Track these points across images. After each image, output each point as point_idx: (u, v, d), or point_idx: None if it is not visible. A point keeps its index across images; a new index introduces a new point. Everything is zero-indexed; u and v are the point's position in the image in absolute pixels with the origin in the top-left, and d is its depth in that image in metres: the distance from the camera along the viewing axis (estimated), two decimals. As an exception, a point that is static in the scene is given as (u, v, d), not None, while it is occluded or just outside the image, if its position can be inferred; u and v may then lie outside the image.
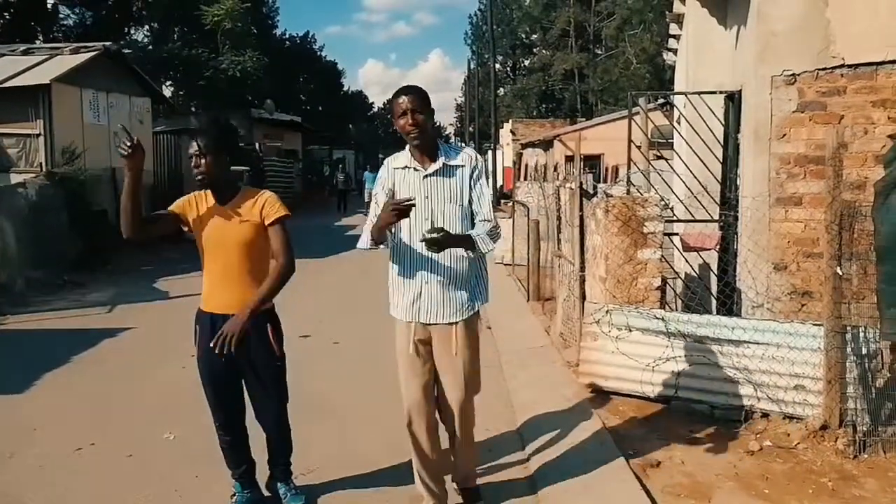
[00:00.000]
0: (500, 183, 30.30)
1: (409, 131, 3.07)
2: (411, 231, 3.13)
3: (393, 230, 3.14)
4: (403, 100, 3.07)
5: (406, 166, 3.20)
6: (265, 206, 3.23)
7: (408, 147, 3.19)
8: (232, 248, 3.21)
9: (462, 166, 3.18)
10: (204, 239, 3.25)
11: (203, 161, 3.10)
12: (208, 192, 3.28)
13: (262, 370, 3.33)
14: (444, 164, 3.15)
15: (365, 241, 3.14)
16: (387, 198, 3.16)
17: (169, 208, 3.30)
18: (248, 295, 3.18)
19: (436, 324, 3.16)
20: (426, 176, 3.15)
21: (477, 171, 3.20)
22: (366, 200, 23.41)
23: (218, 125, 3.28)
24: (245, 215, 3.21)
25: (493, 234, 3.16)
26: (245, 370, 3.33)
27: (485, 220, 3.18)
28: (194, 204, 3.28)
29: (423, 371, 3.20)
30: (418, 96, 3.08)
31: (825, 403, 4.00)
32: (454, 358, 3.17)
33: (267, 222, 3.21)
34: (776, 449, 3.89)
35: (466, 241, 3.09)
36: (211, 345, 3.07)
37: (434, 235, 2.91)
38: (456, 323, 3.17)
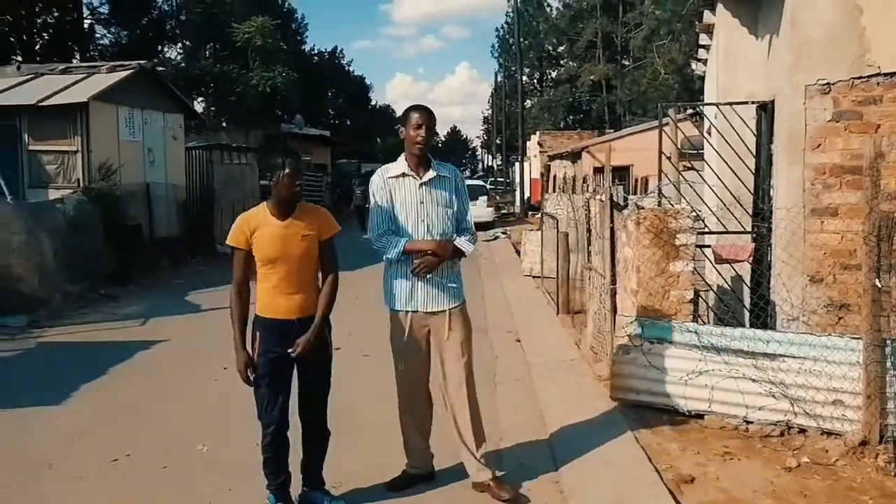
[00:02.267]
0: (527, 195, 30.24)
1: (418, 142, 3.59)
2: (409, 232, 3.64)
3: (394, 227, 3.67)
4: (423, 115, 3.60)
5: (403, 174, 3.66)
6: (323, 221, 3.54)
7: (403, 157, 3.70)
8: (294, 260, 3.44)
9: (448, 177, 3.71)
10: (265, 253, 3.44)
11: (298, 182, 3.37)
12: (259, 209, 3.52)
13: (317, 364, 3.57)
14: (437, 174, 3.67)
15: (396, 252, 3.60)
16: (386, 202, 3.68)
17: (237, 246, 3.50)
18: (307, 300, 3.49)
19: (433, 311, 3.64)
20: (422, 184, 3.64)
21: (461, 184, 3.78)
22: None
23: (295, 151, 3.77)
24: (305, 230, 3.46)
25: (473, 240, 3.77)
26: (302, 365, 3.53)
27: (467, 228, 3.75)
28: (247, 228, 3.49)
29: (421, 350, 3.68)
30: (432, 116, 3.65)
31: (864, 419, 3.90)
32: (452, 335, 3.66)
33: (324, 238, 3.51)
34: (814, 465, 3.80)
35: (454, 253, 3.66)
36: (290, 351, 3.39)
37: (421, 263, 3.55)
38: (451, 309, 3.67)
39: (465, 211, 3.76)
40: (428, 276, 3.60)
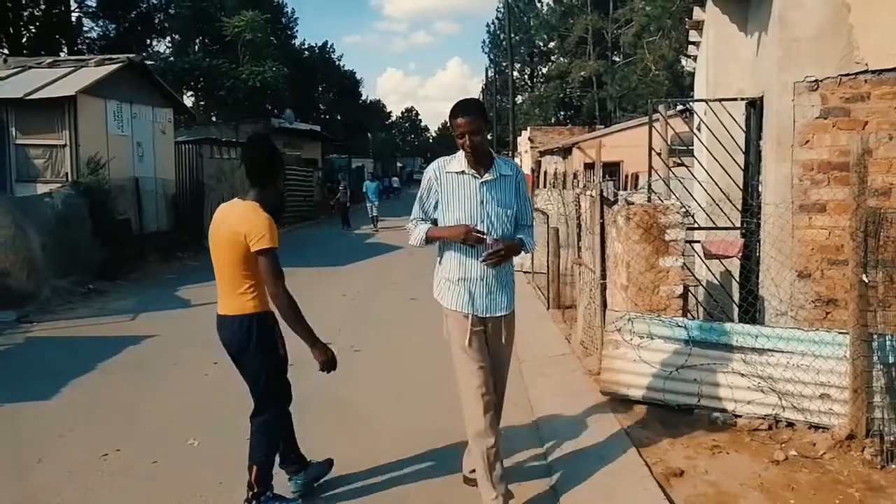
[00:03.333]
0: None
1: (466, 149, 3.40)
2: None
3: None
4: (462, 122, 3.34)
5: (463, 171, 3.46)
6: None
7: (462, 153, 3.45)
8: None
9: (510, 176, 3.51)
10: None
11: None
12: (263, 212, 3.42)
13: None
14: (499, 174, 3.47)
15: (418, 239, 3.53)
16: (433, 196, 3.52)
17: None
18: None
19: (491, 316, 3.51)
20: (482, 183, 3.44)
21: (522, 182, 3.59)
22: (370, 215, 22.08)
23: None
24: None
25: (534, 238, 3.71)
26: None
27: (527, 226, 3.64)
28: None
29: (482, 356, 3.49)
30: (475, 117, 3.35)
31: (851, 413, 3.95)
32: (502, 340, 3.58)
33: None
34: (802, 459, 3.84)
35: (518, 248, 3.55)
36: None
37: (494, 253, 3.36)
38: (506, 315, 3.56)
39: (527, 210, 3.63)
40: (488, 276, 3.45)
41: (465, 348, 3.46)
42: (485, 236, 3.37)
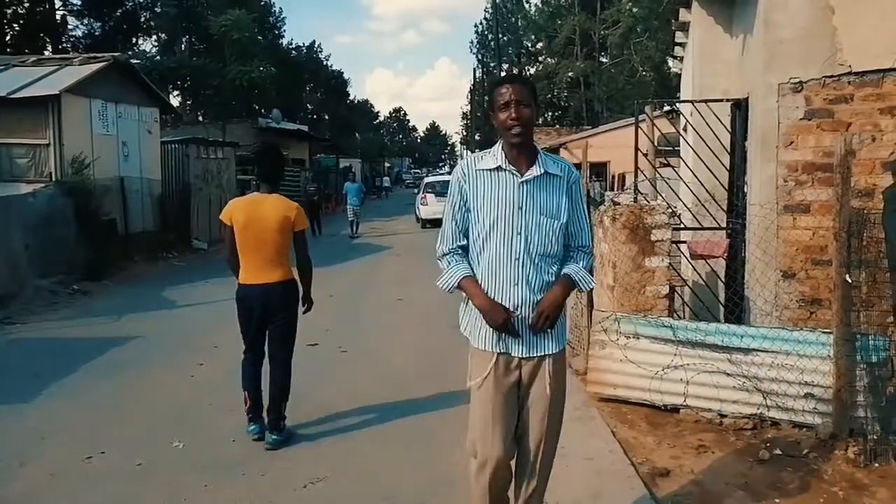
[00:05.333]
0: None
1: (510, 126, 2.60)
2: (499, 248, 2.64)
3: (479, 239, 2.69)
4: (507, 89, 2.62)
5: (499, 167, 2.66)
6: None
7: (499, 145, 2.70)
8: None
9: (559, 177, 2.70)
10: None
11: None
12: None
13: None
14: (545, 171, 2.67)
15: (448, 284, 2.70)
16: (464, 205, 2.71)
17: None
18: None
19: (528, 357, 2.68)
20: (523, 182, 2.64)
21: (575, 185, 2.74)
22: (349, 219, 19.77)
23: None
24: None
25: (592, 269, 2.74)
26: None
27: (582, 248, 2.77)
28: None
29: (508, 415, 2.67)
30: (525, 87, 2.66)
31: (835, 412, 3.98)
32: (544, 388, 2.68)
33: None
34: (786, 458, 3.87)
35: (564, 296, 2.69)
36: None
37: (539, 323, 2.60)
38: (553, 356, 2.71)
39: (582, 226, 2.76)
40: (529, 306, 2.64)
41: (482, 400, 2.65)
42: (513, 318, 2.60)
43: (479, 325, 2.68)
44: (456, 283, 2.68)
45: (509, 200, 2.63)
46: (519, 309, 2.62)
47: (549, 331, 2.66)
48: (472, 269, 2.69)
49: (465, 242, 2.73)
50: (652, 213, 5.06)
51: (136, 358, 6.80)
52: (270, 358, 4.54)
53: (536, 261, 2.64)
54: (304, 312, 4.66)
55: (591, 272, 2.77)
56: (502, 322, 2.57)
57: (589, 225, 2.80)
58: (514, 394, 2.68)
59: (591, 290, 2.78)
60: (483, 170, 2.68)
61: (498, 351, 2.66)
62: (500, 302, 2.62)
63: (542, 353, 2.68)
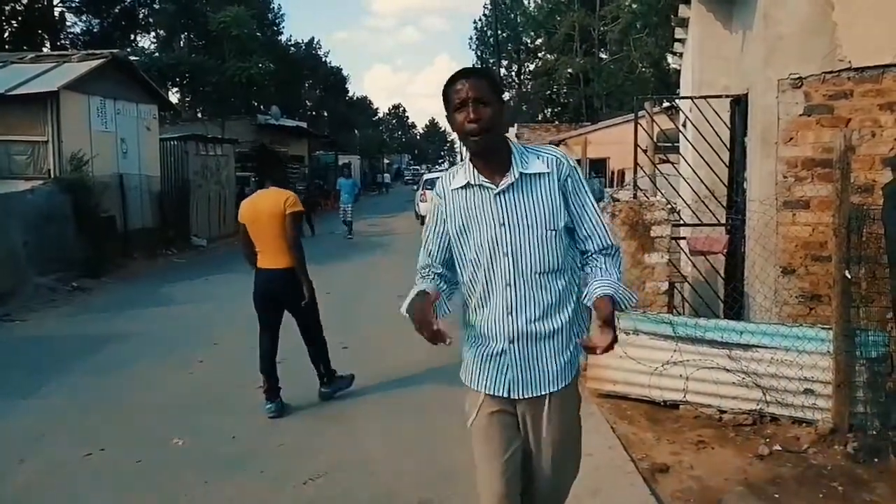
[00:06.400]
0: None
1: (468, 130, 2.14)
2: (484, 274, 2.25)
3: (468, 266, 2.30)
4: (462, 85, 2.15)
5: (468, 184, 2.25)
6: None
7: (467, 157, 2.31)
8: None
9: (546, 174, 2.23)
10: None
11: None
12: None
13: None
14: (521, 173, 2.21)
15: (404, 307, 2.26)
16: (441, 226, 2.34)
17: None
18: None
19: (524, 398, 2.28)
20: (498, 194, 2.21)
21: (571, 179, 2.25)
22: (341, 219, 18.97)
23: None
24: None
25: (620, 270, 2.29)
26: None
27: (604, 250, 2.27)
28: None
29: (504, 452, 2.28)
30: (483, 80, 2.19)
31: (834, 407, 3.98)
32: (549, 432, 2.31)
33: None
34: (786, 453, 3.87)
35: (613, 310, 2.14)
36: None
37: (594, 344, 2.11)
38: (553, 393, 2.29)
39: (594, 221, 2.28)
40: (528, 334, 2.23)
41: (476, 439, 2.32)
42: (435, 326, 2.14)
43: (469, 361, 2.36)
44: (406, 308, 2.24)
45: (487, 219, 2.22)
46: (514, 342, 2.23)
47: (552, 362, 2.25)
48: (435, 284, 2.34)
49: (440, 269, 2.37)
50: (651, 210, 5.06)
51: (135, 355, 6.80)
52: (303, 338, 5.16)
53: (533, 281, 2.21)
54: (302, 303, 4.94)
55: (620, 277, 2.27)
56: (428, 338, 2.13)
57: (599, 216, 2.30)
58: (513, 429, 2.31)
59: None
60: (455, 189, 2.28)
61: (485, 392, 2.30)
62: (491, 330, 2.26)
63: (541, 393, 2.27)
